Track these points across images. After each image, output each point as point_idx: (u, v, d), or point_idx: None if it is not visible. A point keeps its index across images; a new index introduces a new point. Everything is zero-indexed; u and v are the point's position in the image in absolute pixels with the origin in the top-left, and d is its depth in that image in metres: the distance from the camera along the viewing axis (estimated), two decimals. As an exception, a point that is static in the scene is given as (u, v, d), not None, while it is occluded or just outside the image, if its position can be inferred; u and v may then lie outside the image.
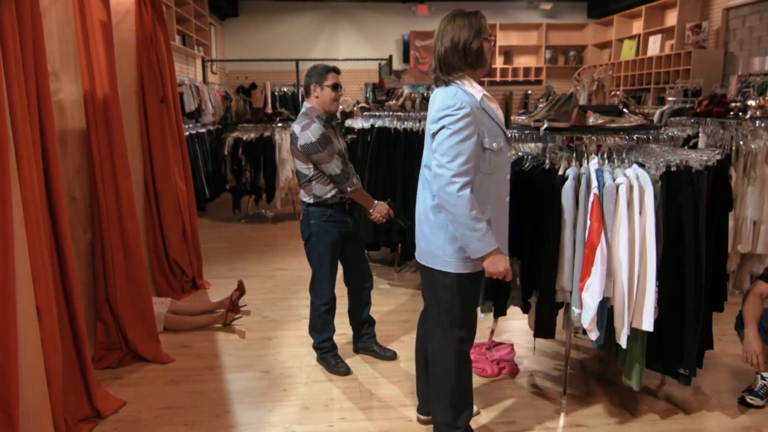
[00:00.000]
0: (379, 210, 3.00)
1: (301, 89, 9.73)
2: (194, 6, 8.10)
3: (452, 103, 2.00)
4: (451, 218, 2.02)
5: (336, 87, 2.83)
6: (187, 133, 6.59)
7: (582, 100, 2.82)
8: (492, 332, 3.11)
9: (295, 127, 2.83)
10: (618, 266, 2.28)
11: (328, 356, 3.06)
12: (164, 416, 2.60)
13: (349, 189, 2.84)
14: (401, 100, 4.73)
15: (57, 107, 2.91)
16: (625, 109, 2.60)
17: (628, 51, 9.51)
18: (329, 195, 2.86)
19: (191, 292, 4.26)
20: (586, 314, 2.29)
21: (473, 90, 2.05)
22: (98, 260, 3.06)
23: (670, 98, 7.09)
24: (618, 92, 2.90)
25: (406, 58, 10.76)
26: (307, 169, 2.84)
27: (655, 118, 6.48)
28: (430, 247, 2.15)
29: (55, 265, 2.45)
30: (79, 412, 2.51)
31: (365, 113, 5.06)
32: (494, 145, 2.04)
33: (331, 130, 2.88)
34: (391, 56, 9.77)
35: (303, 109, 2.89)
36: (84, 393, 2.56)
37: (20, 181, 2.13)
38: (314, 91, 2.84)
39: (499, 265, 2.05)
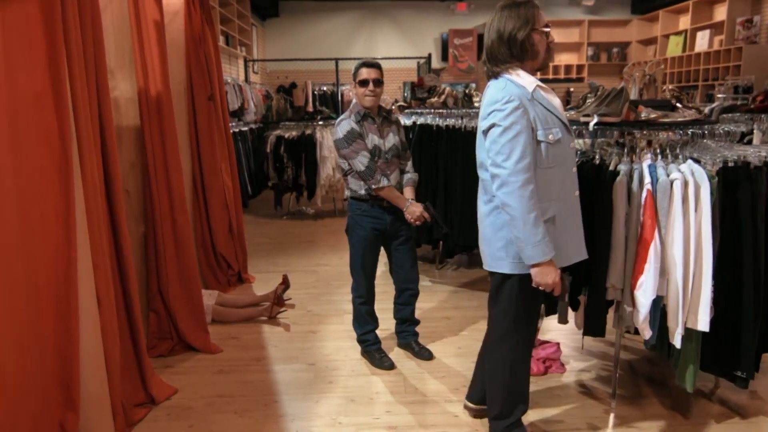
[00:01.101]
0: (411, 212, 2.87)
1: (342, 87, 9.78)
2: (237, 7, 8.25)
3: (500, 96, 1.95)
4: (508, 219, 1.95)
5: (365, 83, 2.84)
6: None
7: (633, 95, 2.76)
8: (538, 330, 3.07)
9: (336, 122, 2.94)
10: (672, 264, 2.23)
11: (371, 350, 3.08)
12: (215, 404, 2.67)
13: (373, 186, 2.85)
14: (443, 97, 4.72)
15: (113, 104, 3.01)
16: (678, 104, 2.54)
17: (674, 47, 9.25)
18: (362, 191, 2.89)
19: (237, 286, 4.35)
20: (639, 313, 2.24)
21: (524, 81, 2.00)
22: (150, 252, 3.15)
23: (719, 95, 6.85)
24: (670, 87, 2.83)
25: (444, 57, 10.71)
26: (344, 163, 2.92)
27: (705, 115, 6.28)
28: (491, 249, 2.11)
29: (113, 255, 2.54)
30: (134, 397, 2.60)
31: (406, 111, 5.08)
32: (549, 136, 1.97)
33: (370, 125, 2.90)
34: (430, 54, 9.75)
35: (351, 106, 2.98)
36: (139, 379, 2.65)
37: (82, 175, 2.22)
38: (353, 88, 2.92)
39: (548, 277, 1.94)
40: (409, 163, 3.07)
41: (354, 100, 2.96)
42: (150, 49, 3.03)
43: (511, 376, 2.22)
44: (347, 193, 2.99)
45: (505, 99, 1.94)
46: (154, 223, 3.12)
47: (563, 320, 2.06)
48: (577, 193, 2.10)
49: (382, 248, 3.08)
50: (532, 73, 2.07)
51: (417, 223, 2.89)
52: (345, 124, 2.86)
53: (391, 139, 2.96)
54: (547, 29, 2.03)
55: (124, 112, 3.09)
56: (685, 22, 9.09)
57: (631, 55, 10.54)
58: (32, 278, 2.04)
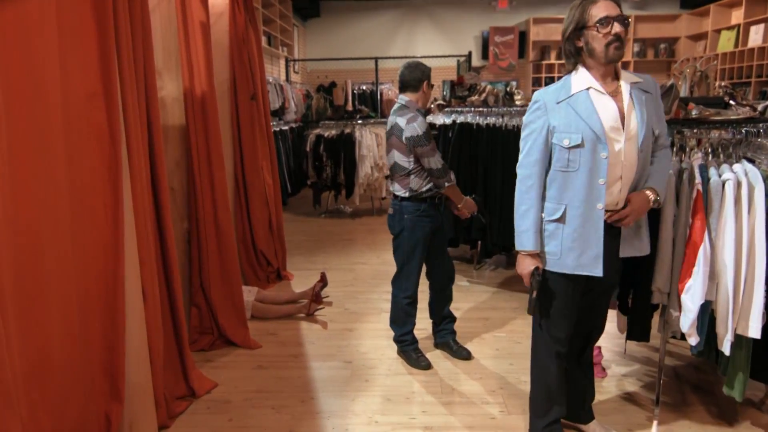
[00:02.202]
0: (469, 206, 2.98)
1: (381, 86, 9.78)
2: (279, 7, 8.37)
3: (534, 96, 2.08)
4: None
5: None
6: (271, 130, 6.85)
7: (683, 92, 2.66)
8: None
9: (399, 120, 2.84)
10: (722, 268, 2.14)
11: (409, 349, 3.08)
12: (253, 399, 2.71)
13: (446, 184, 2.86)
14: (484, 95, 4.67)
15: (160, 103, 3.10)
16: (731, 101, 2.44)
17: (726, 42, 8.90)
18: (425, 189, 2.88)
19: (275, 283, 4.41)
20: (686, 318, 2.17)
21: (577, 80, 2.00)
22: (194, 248, 3.23)
23: (774, 92, 6.56)
24: (722, 84, 2.72)
25: (485, 55, 10.61)
26: (407, 162, 2.86)
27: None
28: None
29: (158, 251, 2.61)
30: (176, 390, 2.67)
31: (446, 109, 5.05)
32: (564, 141, 1.98)
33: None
34: (470, 52, 9.66)
35: (402, 102, 2.91)
36: (181, 372, 2.72)
37: (130, 173, 2.28)
38: (424, 87, 2.92)
39: (519, 267, 2.11)
40: None
41: (407, 98, 2.90)
42: (196, 50, 3.10)
43: (540, 374, 2.25)
44: (402, 193, 2.90)
45: (534, 98, 2.07)
46: (197, 220, 3.20)
47: (529, 310, 2.10)
48: (600, 206, 1.99)
49: None
50: (601, 69, 1.99)
51: (469, 215, 3.01)
52: (422, 121, 2.81)
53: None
54: (603, 24, 1.91)
55: (170, 112, 3.18)
56: (738, 16, 8.73)
57: (680, 51, 10.20)
58: (82, 272, 2.11)
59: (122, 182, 2.20)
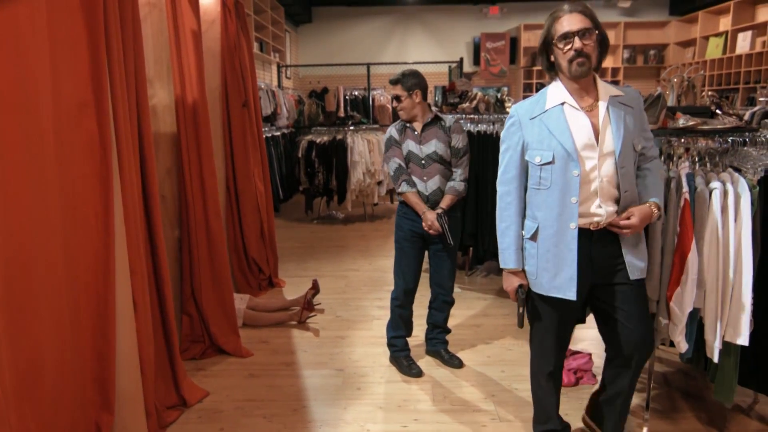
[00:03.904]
0: (425, 218, 2.86)
1: (373, 91, 9.79)
2: (271, 14, 8.37)
3: (510, 111, 2.09)
4: None
5: (396, 98, 2.98)
6: (263, 136, 6.84)
7: (671, 101, 2.70)
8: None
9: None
10: (710, 276, 2.17)
11: (400, 356, 3.08)
12: (244, 408, 2.70)
13: (397, 190, 2.99)
14: (474, 102, 4.70)
15: (151, 112, 3.10)
16: (717, 110, 2.47)
17: (714, 49, 9.01)
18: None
19: (268, 290, 4.40)
20: (675, 325, 2.19)
21: (552, 94, 1.99)
22: (185, 256, 3.22)
23: (761, 98, 6.62)
24: (709, 92, 2.75)
25: (476, 60, 10.67)
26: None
27: (745, 119, 6.09)
28: None
29: (149, 260, 2.60)
30: (167, 399, 2.66)
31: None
32: (536, 158, 1.96)
33: (410, 133, 2.98)
34: (461, 59, 9.71)
35: None
36: (172, 382, 2.71)
37: (121, 182, 2.28)
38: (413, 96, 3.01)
39: (505, 283, 2.13)
40: (459, 171, 2.99)
41: None
42: (187, 59, 3.11)
43: (533, 387, 2.29)
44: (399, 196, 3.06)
45: (510, 114, 2.08)
46: (188, 227, 3.19)
47: (518, 324, 2.09)
48: (573, 225, 1.94)
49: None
50: (575, 84, 1.96)
51: (431, 231, 2.85)
52: (388, 130, 3.07)
53: (433, 146, 2.94)
54: (563, 40, 1.90)
55: (161, 120, 3.18)
56: (725, 23, 8.84)
57: (669, 57, 10.30)
58: (72, 281, 2.11)
59: (113, 191, 2.20)
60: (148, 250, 2.60)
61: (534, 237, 2.03)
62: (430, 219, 2.84)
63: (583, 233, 1.98)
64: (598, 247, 2.01)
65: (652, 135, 2.14)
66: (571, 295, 1.98)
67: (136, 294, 2.36)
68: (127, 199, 2.30)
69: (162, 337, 2.69)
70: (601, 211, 1.96)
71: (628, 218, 1.95)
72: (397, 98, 2.95)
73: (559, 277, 1.99)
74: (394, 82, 2.97)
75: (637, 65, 10.43)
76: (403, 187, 2.94)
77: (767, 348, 2.31)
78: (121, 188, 2.28)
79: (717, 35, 9.00)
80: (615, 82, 10.42)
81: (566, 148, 1.92)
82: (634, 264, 2.02)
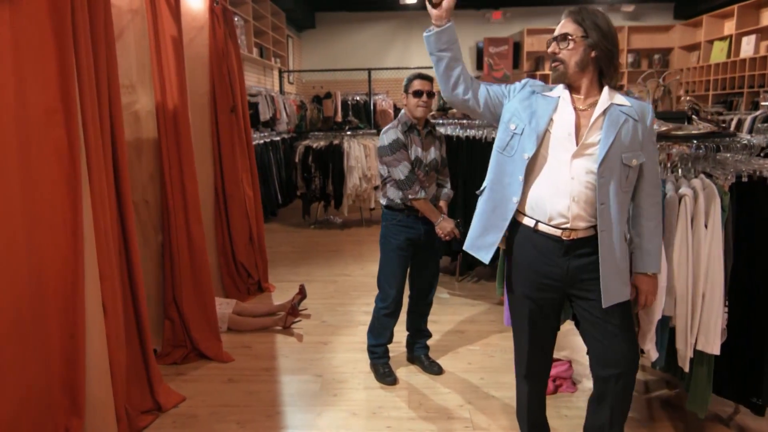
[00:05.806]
0: (443, 227, 2.87)
1: (375, 96, 9.80)
2: (272, 19, 8.43)
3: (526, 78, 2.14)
4: None
5: (418, 93, 2.85)
6: (261, 141, 6.87)
7: (647, 107, 2.67)
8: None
9: (382, 131, 2.97)
10: (680, 283, 2.13)
11: (378, 363, 3.07)
12: (219, 413, 2.70)
13: (410, 196, 2.85)
14: (466, 107, 4.67)
15: (134, 117, 3.13)
16: (694, 116, 2.44)
17: (718, 53, 8.92)
18: (399, 199, 2.90)
19: (256, 295, 4.41)
20: (644, 333, 2.16)
21: (559, 88, 2.00)
22: (166, 261, 3.24)
23: (764, 102, 6.56)
24: (688, 98, 2.72)
25: (479, 65, 10.65)
26: (384, 171, 2.93)
27: (746, 124, 6.03)
28: None
29: (123, 265, 2.61)
30: (141, 404, 2.66)
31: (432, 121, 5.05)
32: (512, 126, 1.98)
33: (415, 137, 2.92)
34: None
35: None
36: (147, 386, 2.71)
37: (90, 188, 2.30)
38: (403, 98, 2.94)
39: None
40: (447, 179, 3.07)
41: (403, 111, 2.96)
42: (168, 65, 3.13)
43: (517, 390, 2.26)
44: (383, 201, 2.99)
45: (525, 79, 2.13)
46: (169, 232, 3.20)
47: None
48: (515, 200, 1.96)
49: None
50: (572, 85, 1.99)
51: (447, 238, 2.88)
52: (391, 133, 2.89)
53: (432, 153, 2.95)
54: (551, 47, 1.96)
55: (144, 125, 3.20)
56: (730, 27, 8.75)
57: (673, 61, 10.21)
58: (39, 286, 2.12)
59: (81, 198, 2.21)
60: (123, 256, 2.61)
61: (481, 193, 2.11)
62: (448, 228, 2.86)
63: (558, 243, 1.93)
64: (573, 259, 1.94)
65: (657, 156, 2.02)
66: (485, 258, 2.05)
67: (107, 299, 2.37)
68: (96, 205, 2.31)
69: (137, 342, 2.70)
70: (568, 214, 1.88)
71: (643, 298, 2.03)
72: (429, 94, 2.86)
73: (482, 239, 2.06)
74: (426, 77, 2.90)
75: (642, 69, 10.33)
76: (421, 194, 2.86)
77: (743, 357, 2.27)
78: (91, 195, 2.29)
79: (721, 39, 8.91)
80: (620, 87, 10.34)
81: (536, 130, 1.91)
82: (610, 290, 1.90)
